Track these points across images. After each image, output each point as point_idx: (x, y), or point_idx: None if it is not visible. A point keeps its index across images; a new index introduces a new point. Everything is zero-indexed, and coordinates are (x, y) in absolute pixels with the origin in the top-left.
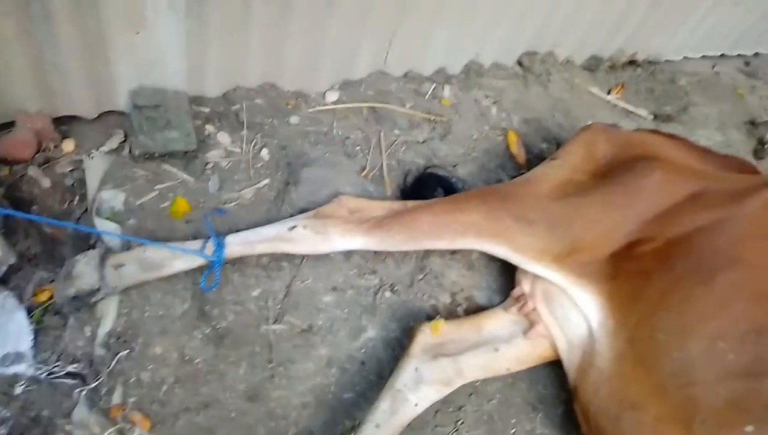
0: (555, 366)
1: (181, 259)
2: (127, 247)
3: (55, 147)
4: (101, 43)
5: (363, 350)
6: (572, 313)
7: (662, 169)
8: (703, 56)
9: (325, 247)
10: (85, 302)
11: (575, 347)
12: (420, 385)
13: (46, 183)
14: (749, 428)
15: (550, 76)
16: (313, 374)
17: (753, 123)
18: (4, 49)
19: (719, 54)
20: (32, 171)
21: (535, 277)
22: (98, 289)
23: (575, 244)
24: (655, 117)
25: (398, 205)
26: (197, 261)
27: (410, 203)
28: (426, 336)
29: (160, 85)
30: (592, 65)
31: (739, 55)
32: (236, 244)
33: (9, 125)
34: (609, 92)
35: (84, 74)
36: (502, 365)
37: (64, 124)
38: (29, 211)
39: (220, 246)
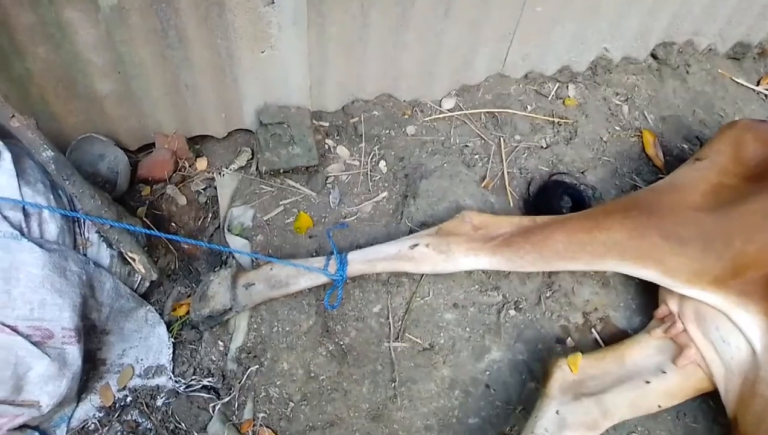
0: (705, 396)
1: (306, 276)
2: (256, 263)
3: (190, 166)
4: (230, 63)
5: (487, 373)
6: (731, 335)
7: None
8: None
9: (448, 266)
10: (219, 320)
11: (735, 374)
12: (563, 430)
13: (182, 201)
14: None
15: (689, 68)
16: (435, 396)
17: None
18: (144, 75)
19: None
20: (170, 190)
21: (683, 298)
22: (230, 308)
23: (736, 262)
24: None
25: (527, 220)
26: (321, 278)
27: (540, 219)
28: (564, 373)
29: (284, 103)
30: (738, 53)
31: None
32: (358, 262)
33: (148, 147)
34: (758, 82)
35: (215, 95)
36: (653, 402)
37: (197, 143)
38: (168, 228)
39: (342, 264)
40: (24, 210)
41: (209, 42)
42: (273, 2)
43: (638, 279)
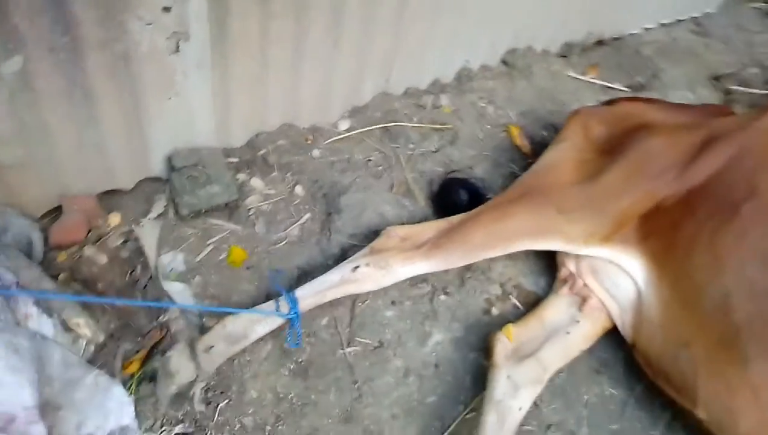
0: (608, 332)
1: (262, 323)
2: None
3: (104, 223)
4: (137, 114)
5: (434, 354)
6: (620, 279)
7: (659, 132)
8: (660, 24)
9: (390, 279)
10: (188, 394)
11: (627, 309)
12: (518, 390)
13: (103, 260)
14: None
15: (531, 69)
16: (394, 386)
17: (716, 78)
18: (48, 139)
19: (674, 20)
20: (88, 251)
21: (578, 256)
22: (197, 378)
23: (616, 219)
24: (630, 88)
25: (444, 223)
26: (277, 321)
27: (454, 219)
28: (504, 344)
29: (193, 145)
30: (566, 51)
31: (690, 17)
32: (308, 297)
33: (55, 210)
34: (585, 73)
35: (122, 148)
36: (576, 347)
37: (105, 199)
38: (95, 289)
39: (293, 302)
40: None
41: (116, 96)
42: (178, 50)
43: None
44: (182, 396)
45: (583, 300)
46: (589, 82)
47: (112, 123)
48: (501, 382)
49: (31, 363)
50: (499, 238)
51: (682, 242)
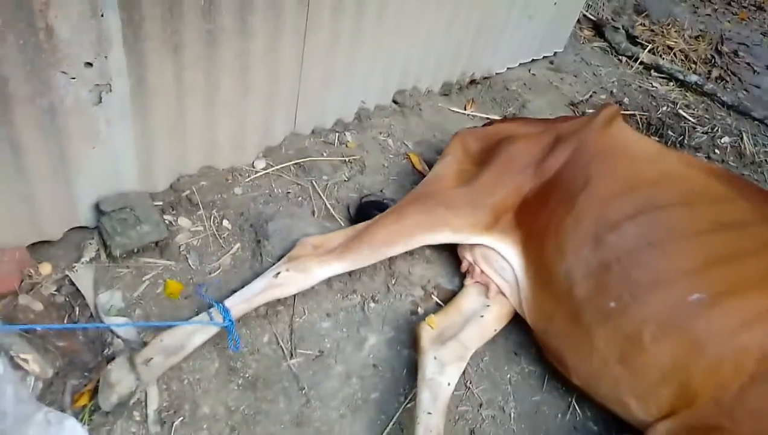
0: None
1: (198, 334)
2: (142, 336)
3: (35, 272)
4: (62, 165)
5: (371, 356)
6: (504, 264)
7: (520, 138)
8: (520, 64)
9: (309, 280)
10: (128, 403)
11: (514, 289)
12: (444, 367)
13: (38, 307)
14: (612, 304)
15: (420, 106)
16: (339, 389)
17: (573, 104)
18: None
19: (530, 59)
20: (23, 299)
21: (472, 247)
22: (136, 388)
23: (494, 211)
24: (505, 118)
25: (350, 230)
26: (212, 330)
27: (359, 226)
28: (428, 332)
29: (118, 191)
30: (447, 90)
31: (544, 57)
32: (238, 305)
33: None
34: (465, 108)
35: (49, 198)
36: (491, 327)
37: (35, 250)
38: (34, 334)
39: (226, 311)
40: None
41: (43, 148)
42: (101, 101)
43: (446, 251)
44: (123, 405)
45: (486, 287)
46: (469, 115)
47: (39, 174)
48: (429, 363)
49: None
50: (398, 235)
51: (538, 230)
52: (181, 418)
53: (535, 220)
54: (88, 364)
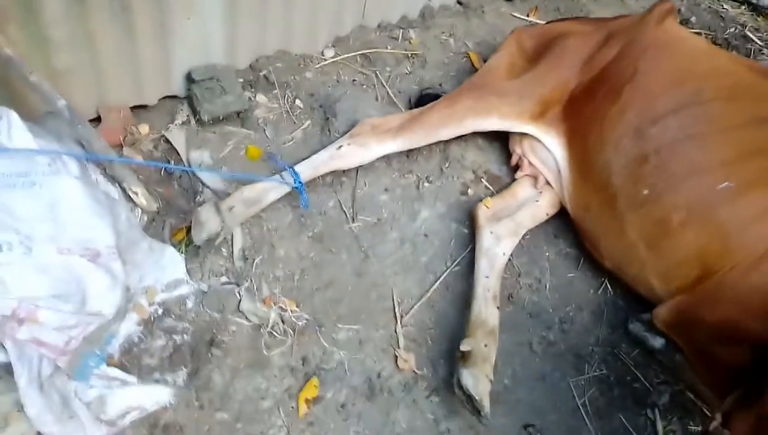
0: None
1: (273, 191)
2: (227, 187)
3: (136, 130)
4: (162, 32)
5: (423, 227)
6: (548, 155)
7: (573, 34)
8: None
9: (368, 155)
10: (215, 242)
11: (556, 180)
12: (500, 240)
13: (139, 158)
14: (645, 192)
15: (483, 9)
16: (393, 251)
17: None
18: (91, 48)
19: None
20: (126, 151)
21: (521, 140)
22: (221, 229)
23: (542, 102)
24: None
25: (407, 114)
26: (284, 189)
27: (415, 111)
28: (484, 211)
29: (206, 63)
30: None
31: None
32: (306, 171)
33: (94, 120)
34: (528, 15)
35: (149, 64)
36: (543, 212)
37: (134, 112)
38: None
39: (295, 174)
40: None
41: (147, 11)
42: None
43: (498, 140)
44: (211, 242)
45: (535, 178)
46: (531, 22)
47: (143, 37)
48: (486, 236)
49: (108, 213)
50: (450, 118)
51: (583, 123)
52: (261, 256)
53: (580, 113)
54: (183, 208)
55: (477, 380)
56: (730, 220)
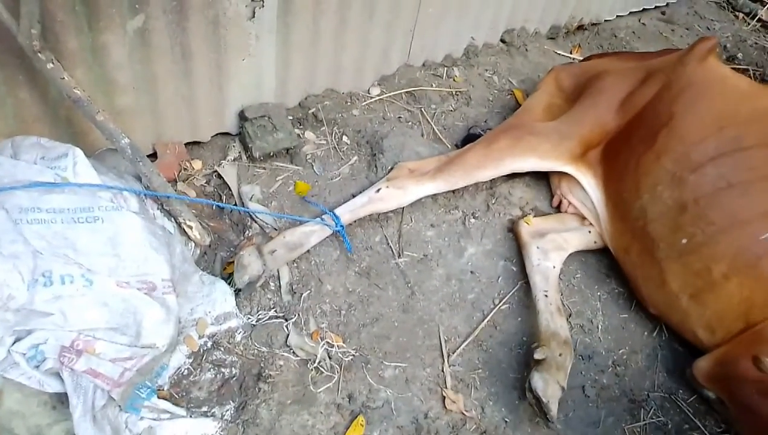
0: None
1: (314, 235)
2: (275, 225)
3: (189, 166)
4: (218, 73)
5: (469, 263)
6: (586, 196)
7: (611, 73)
8: (631, 12)
9: (406, 198)
10: (256, 284)
11: (596, 221)
12: (547, 253)
13: (192, 194)
14: (684, 241)
15: (527, 47)
16: (439, 288)
17: None
18: (152, 90)
19: (641, 8)
20: (180, 186)
21: (560, 180)
22: (263, 272)
23: (579, 142)
24: (603, 53)
25: (443, 157)
26: (327, 232)
27: (452, 153)
28: (525, 227)
29: (258, 101)
30: (554, 33)
31: (655, 7)
32: (346, 214)
33: (150, 156)
34: (571, 52)
35: (205, 103)
36: (591, 239)
37: (188, 148)
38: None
39: (336, 217)
40: None
41: (205, 55)
42: (254, 16)
43: (546, 178)
44: (252, 284)
45: (581, 217)
46: (574, 60)
47: (200, 79)
48: (533, 252)
49: (165, 247)
50: (487, 158)
51: (619, 166)
52: (308, 291)
53: (617, 155)
54: (233, 242)
55: (547, 384)
56: None
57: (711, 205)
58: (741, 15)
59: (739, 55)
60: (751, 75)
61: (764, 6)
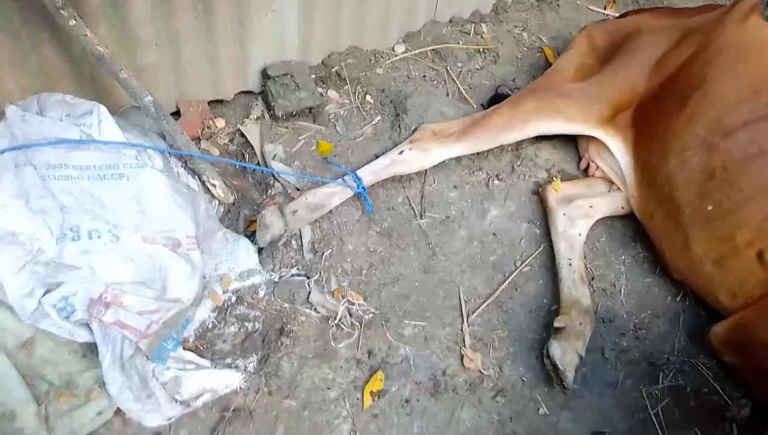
0: None
1: (336, 195)
2: (297, 184)
3: (213, 124)
4: (240, 30)
5: (492, 225)
6: (614, 160)
7: (646, 31)
8: None
9: (429, 160)
10: (278, 243)
11: (623, 185)
12: (574, 220)
13: (215, 152)
14: (710, 207)
15: (558, 2)
16: (461, 249)
17: None
18: (175, 47)
19: None
20: (204, 144)
21: (588, 143)
22: (285, 232)
23: (611, 105)
24: (640, 9)
25: (468, 119)
26: (348, 193)
27: (476, 114)
28: (552, 193)
29: (281, 59)
30: None
31: None
32: (368, 175)
33: (174, 114)
34: (605, 7)
35: (227, 61)
36: (619, 204)
37: (211, 106)
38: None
39: (358, 179)
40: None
41: (228, 11)
42: None
43: (574, 140)
44: (274, 244)
45: (609, 181)
46: (609, 15)
47: (222, 35)
48: (559, 219)
49: (189, 205)
50: (513, 120)
51: (648, 131)
52: (330, 250)
53: (647, 119)
54: (256, 200)
55: (564, 352)
56: None
57: (740, 171)
58: None
59: None
60: None
61: None
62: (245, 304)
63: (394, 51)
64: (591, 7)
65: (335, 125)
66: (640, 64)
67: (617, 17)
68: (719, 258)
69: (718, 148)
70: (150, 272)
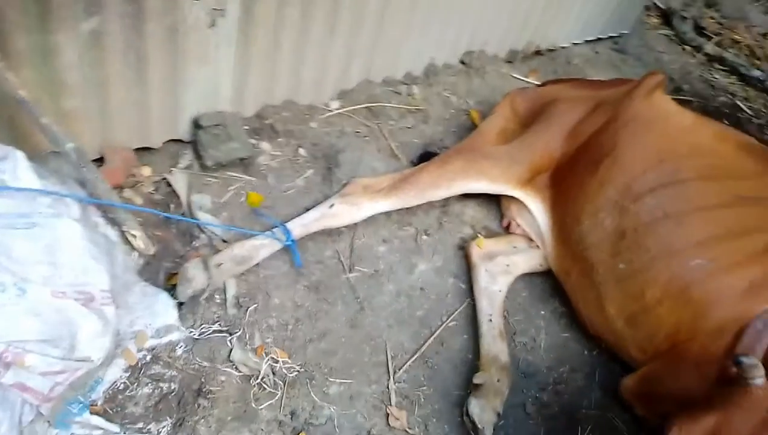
0: None
1: (264, 248)
2: (224, 236)
3: (138, 172)
4: (174, 79)
5: (420, 280)
6: (533, 220)
7: (563, 100)
8: (585, 41)
9: (360, 214)
10: (201, 297)
11: (541, 245)
12: (495, 277)
13: (139, 201)
14: (621, 266)
15: (485, 69)
16: (389, 304)
17: None
18: (102, 94)
19: (596, 38)
20: (127, 193)
21: (509, 203)
22: (208, 286)
23: (528, 168)
24: (559, 79)
25: (397, 175)
26: (277, 246)
27: (406, 171)
28: (476, 250)
29: (214, 110)
30: (511, 57)
31: (609, 36)
32: (297, 228)
33: (97, 161)
34: (527, 76)
35: (158, 108)
36: (538, 262)
37: (138, 154)
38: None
39: (287, 231)
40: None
41: (161, 62)
42: (214, 25)
43: (498, 197)
44: (196, 298)
45: (529, 239)
46: (531, 83)
47: (154, 83)
48: (482, 275)
49: (106, 256)
50: (441, 178)
51: (563, 193)
52: (255, 304)
53: (563, 182)
54: (179, 252)
55: (483, 410)
56: (702, 297)
57: (648, 233)
58: (688, 48)
59: (685, 87)
60: (695, 107)
61: (710, 40)
62: (161, 362)
63: (328, 106)
64: (515, 75)
65: (266, 176)
66: (557, 131)
67: (538, 86)
68: (630, 315)
69: (629, 211)
70: (58, 329)
